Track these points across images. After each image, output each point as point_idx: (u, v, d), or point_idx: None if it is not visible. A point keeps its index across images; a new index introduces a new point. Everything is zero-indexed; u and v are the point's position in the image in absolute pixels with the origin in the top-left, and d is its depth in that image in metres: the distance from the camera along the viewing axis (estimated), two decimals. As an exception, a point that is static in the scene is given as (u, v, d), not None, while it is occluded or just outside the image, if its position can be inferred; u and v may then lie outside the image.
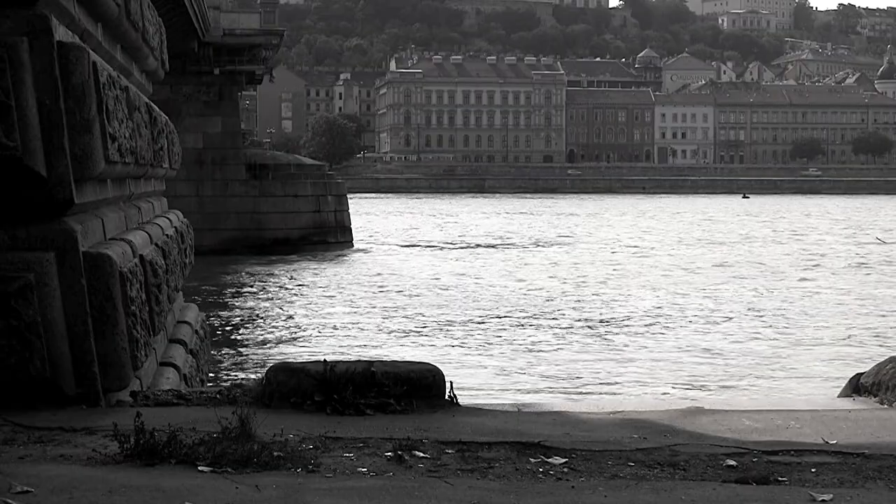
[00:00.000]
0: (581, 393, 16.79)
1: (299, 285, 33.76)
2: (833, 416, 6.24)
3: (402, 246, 52.30)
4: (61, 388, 6.17)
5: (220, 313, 26.53)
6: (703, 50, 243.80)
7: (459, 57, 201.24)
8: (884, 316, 26.83)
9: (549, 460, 5.12)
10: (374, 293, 31.18)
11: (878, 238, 58.98)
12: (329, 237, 47.86)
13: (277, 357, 19.28)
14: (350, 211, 51.11)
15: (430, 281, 34.84)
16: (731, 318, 25.98)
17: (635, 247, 52.37)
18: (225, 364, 19.11)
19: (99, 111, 6.57)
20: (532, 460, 5.13)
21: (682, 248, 51.44)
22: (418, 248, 51.40)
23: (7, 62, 5.87)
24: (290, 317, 26.45)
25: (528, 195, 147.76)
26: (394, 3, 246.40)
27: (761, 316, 26.50)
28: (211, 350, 14.92)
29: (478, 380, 17.71)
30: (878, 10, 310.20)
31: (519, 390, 16.92)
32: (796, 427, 5.89)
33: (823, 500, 4.50)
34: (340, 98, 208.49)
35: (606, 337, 22.95)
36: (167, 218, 10.81)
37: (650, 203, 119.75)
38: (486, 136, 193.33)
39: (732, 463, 5.12)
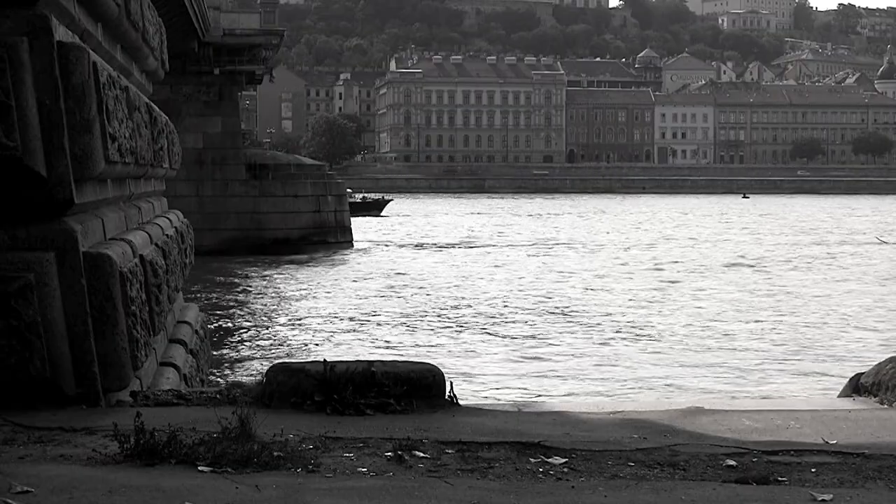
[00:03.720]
0: (581, 393, 16.80)
1: (299, 285, 33.75)
2: (833, 416, 6.24)
3: (402, 246, 52.32)
4: (61, 388, 6.17)
5: (220, 313, 26.53)
6: (703, 50, 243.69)
7: (459, 57, 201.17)
8: (883, 317, 26.86)
9: (549, 460, 5.12)
10: (373, 293, 31.18)
11: (878, 238, 58.97)
12: (329, 237, 47.85)
13: (277, 357, 19.28)
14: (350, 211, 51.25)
15: (430, 281, 34.85)
16: (729, 318, 25.99)
17: (623, 247, 52.42)
18: (225, 364, 19.10)
19: (99, 111, 6.57)
20: (532, 460, 5.13)
21: (674, 248, 51.48)
22: (418, 248, 51.42)
23: (7, 62, 5.87)
24: (290, 317, 26.45)
25: (528, 195, 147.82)
26: (394, 3, 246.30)
27: (759, 316, 26.51)
28: (211, 350, 14.92)
29: (478, 380, 17.71)
30: (878, 10, 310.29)
31: (519, 390, 16.92)
32: (796, 427, 5.88)
33: (823, 500, 4.49)
34: (340, 98, 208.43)
35: (606, 336, 22.95)
36: (167, 218, 10.81)
37: (647, 203, 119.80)
38: (486, 136, 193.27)
39: (732, 463, 5.12)
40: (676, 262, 43.30)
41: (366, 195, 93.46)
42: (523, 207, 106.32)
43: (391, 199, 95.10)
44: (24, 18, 6.07)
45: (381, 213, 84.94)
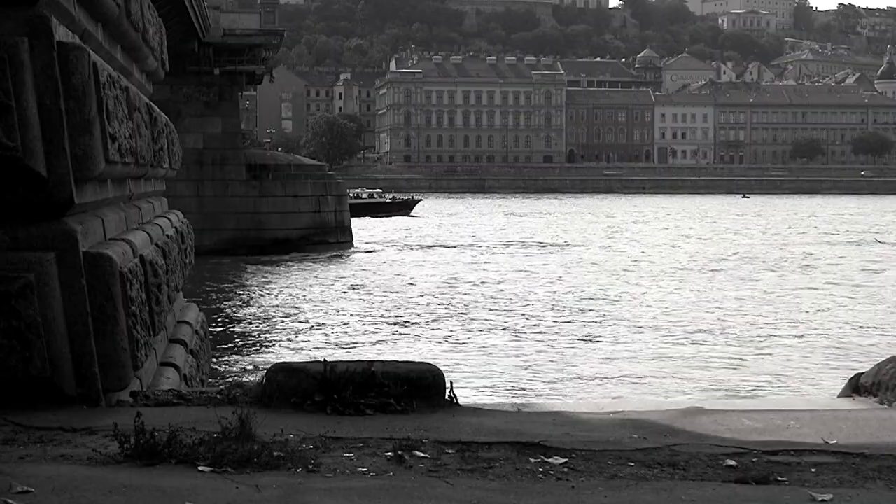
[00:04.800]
0: (581, 393, 16.80)
1: (299, 285, 33.75)
2: (833, 416, 6.23)
3: (401, 246, 52.30)
4: (62, 388, 6.17)
5: (221, 313, 26.54)
6: (703, 50, 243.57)
7: (459, 57, 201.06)
8: (882, 317, 26.86)
9: (549, 460, 5.11)
10: (374, 293, 31.18)
11: (876, 239, 58.95)
12: (329, 237, 47.87)
13: (277, 357, 19.28)
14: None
15: (430, 281, 34.84)
16: (727, 318, 25.99)
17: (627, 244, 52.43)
18: (225, 364, 19.11)
19: (99, 111, 6.57)
20: (532, 460, 5.13)
21: (671, 249, 51.48)
22: (418, 248, 51.40)
23: (7, 62, 5.87)
24: (290, 317, 26.45)
25: (528, 195, 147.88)
26: (394, 3, 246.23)
27: (757, 316, 26.51)
28: (211, 350, 14.92)
29: (478, 379, 17.71)
30: (878, 10, 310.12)
31: (519, 390, 16.92)
32: (796, 427, 5.88)
33: (823, 500, 4.49)
34: (340, 98, 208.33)
35: (606, 337, 22.95)
36: (167, 218, 10.80)
37: (646, 204, 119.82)
38: (486, 136, 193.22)
39: (732, 463, 5.12)
40: (676, 261, 43.32)
41: (395, 195, 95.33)
42: (519, 207, 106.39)
43: (421, 199, 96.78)
44: (24, 19, 6.07)
45: (412, 213, 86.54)
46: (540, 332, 23.55)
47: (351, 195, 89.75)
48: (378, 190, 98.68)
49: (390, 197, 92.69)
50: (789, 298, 30.53)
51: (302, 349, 21.07)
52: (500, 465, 5.05)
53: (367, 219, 74.25)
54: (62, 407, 6.13)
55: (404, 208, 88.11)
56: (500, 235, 61.33)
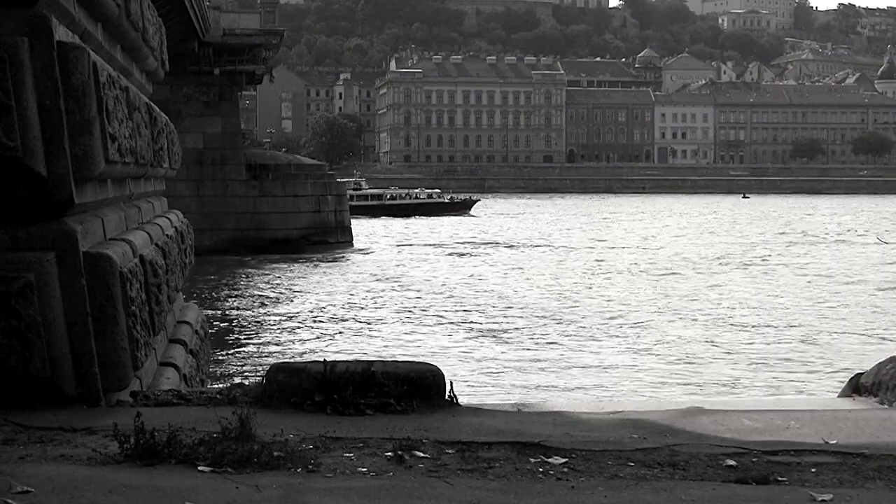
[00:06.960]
0: (581, 393, 16.80)
1: (299, 285, 33.75)
2: (833, 416, 6.23)
3: (401, 246, 52.30)
4: (62, 388, 6.16)
5: (221, 313, 26.53)
6: (703, 50, 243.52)
7: (459, 57, 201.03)
8: (882, 317, 26.85)
9: (549, 460, 5.11)
10: (374, 293, 31.18)
11: (878, 238, 58.94)
12: (329, 237, 47.90)
13: (277, 357, 19.29)
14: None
15: (429, 281, 34.84)
16: (728, 319, 25.98)
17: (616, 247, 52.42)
18: (225, 364, 19.11)
19: (99, 111, 6.56)
20: (532, 460, 5.12)
21: (679, 246, 51.49)
22: (418, 248, 51.40)
23: (7, 62, 5.87)
24: (290, 317, 26.44)
25: (528, 195, 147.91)
26: (394, 3, 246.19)
27: (758, 316, 26.50)
28: (211, 350, 14.92)
29: (478, 379, 17.72)
30: (878, 10, 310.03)
31: (519, 389, 16.92)
32: (796, 427, 5.88)
33: (823, 500, 4.49)
34: (340, 98, 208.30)
35: (606, 337, 22.95)
36: (167, 218, 10.80)
37: (646, 204, 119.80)
38: (486, 136, 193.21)
39: (732, 463, 5.11)
40: (675, 261, 43.33)
41: (454, 195, 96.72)
42: (519, 207, 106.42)
43: (478, 199, 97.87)
44: (24, 18, 6.06)
45: (470, 213, 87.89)
46: (540, 332, 23.54)
47: (410, 195, 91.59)
48: (437, 190, 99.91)
49: (449, 197, 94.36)
50: (789, 297, 30.52)
51: (302, 349, 21.08)
52: (500, 465, 5.04)
53: (429, 218, 76.01)
54: (62, 407, 6.13)
55: (463, 208, 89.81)
56: (489, 236, 61.34)
